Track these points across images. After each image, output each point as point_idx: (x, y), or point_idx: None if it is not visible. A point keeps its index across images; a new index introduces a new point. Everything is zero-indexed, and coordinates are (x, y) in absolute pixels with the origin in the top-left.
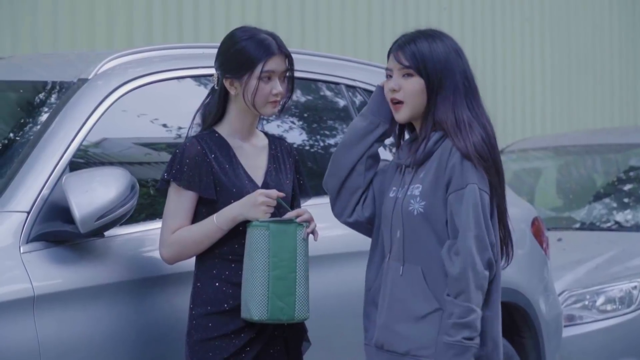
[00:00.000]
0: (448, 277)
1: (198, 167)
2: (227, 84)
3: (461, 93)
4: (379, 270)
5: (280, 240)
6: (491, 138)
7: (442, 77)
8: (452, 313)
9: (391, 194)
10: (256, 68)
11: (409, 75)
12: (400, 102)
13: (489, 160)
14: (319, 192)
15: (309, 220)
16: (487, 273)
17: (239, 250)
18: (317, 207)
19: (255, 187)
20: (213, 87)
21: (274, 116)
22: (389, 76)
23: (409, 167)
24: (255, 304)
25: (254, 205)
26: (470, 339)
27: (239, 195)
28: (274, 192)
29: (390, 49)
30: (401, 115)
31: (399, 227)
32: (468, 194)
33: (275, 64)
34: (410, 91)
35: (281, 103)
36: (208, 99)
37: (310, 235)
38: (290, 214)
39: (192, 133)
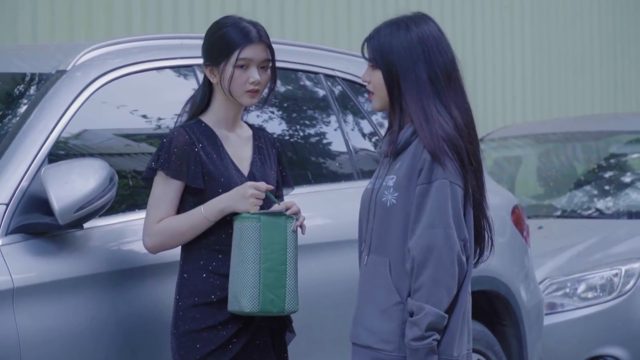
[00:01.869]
0: (407, 274)
1: (186, 156)
2: (207, 71)
3: (426, 83)
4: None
5: (271, 232)
6: (463, 129)
7: (403, 68)
8: (410, 312)
9: (369, 186)
10: (232, 55)
11: (374, 67)
12: (371, 92)
13: (462, 151)
14: (296, 182)
15: (298, 213)
16: (455, 271)
17: (226, 240)
18: (297, 197)
19: (242, 177)
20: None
21: (254, 107)
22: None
23: (387, 157)
24: (247, 297)
25: (243, 197)
26: (421, 338)
27: (227, 185)
28: (262, 185)
29: None
30: (373, 104)
31: (372, 219)
32: (436, 188)
33: (252, 52)
34: (375, 83)
35: (264, 94)
36: (197, 91)
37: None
38: (279, 207)
39: (180, 122)
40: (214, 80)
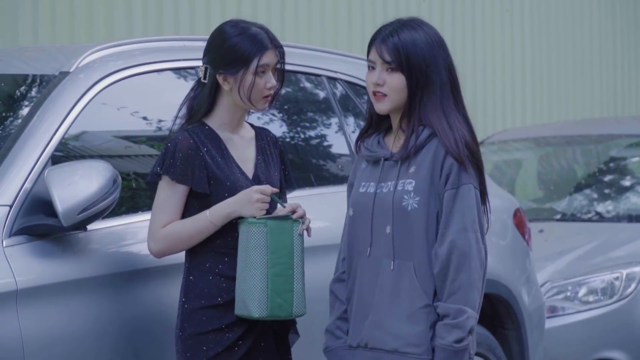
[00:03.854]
0: (436, 277)
1: (191, 160)
2: (220, 79)
3: (448, 88)
4: (352, 268)
5: (278, 237)
6: (474, 133)
7: (427, 72)
8: (446, 315)
9: (362, 189)
10: (252, 64)
11: (392, 69)
12: (383, 95)
13: (477, 156)
14: (299, 184)
15: (303, 216)
16: (482, 272)
17: (232, 243)
18: (300, 199)
19: (247, 180)
20: (199, 80)
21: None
22: (371, 67)
23: (388, 160)
24: (255, 302)
25: (249, 202)
26: (460, 340)
27: (232, 189)
28: (268, 189)
29: (373, 40)
30: (383, 107)
31: (387, 223)
32: (466, 193)
33: (269, 58)
34: (393, 86)
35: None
36: (194, 93)
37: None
38: (285, 210)
39: (176, 127)
40: (227, 87)
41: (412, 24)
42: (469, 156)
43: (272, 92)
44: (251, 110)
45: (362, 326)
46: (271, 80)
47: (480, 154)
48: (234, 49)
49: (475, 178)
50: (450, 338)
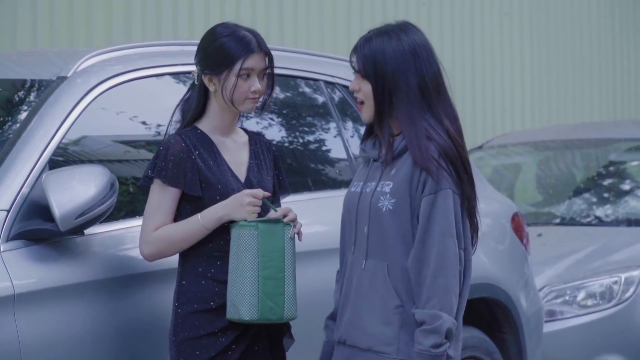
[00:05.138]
0: (414, 284)
1: (183, 163)
2: (205, 80)
3: (416, 95)
4: (343, 266)
5: (269, 240)
6: (456, 138)
7: (394, 80)
8: (422, 321)
9: (353, 189)
10: (235, 65)
11: (362, 77)
12: (362, 102)
13: (457, 160)
14: (296, 188)
15: (295, 220)
16: (458, 279)
17: (224, 247)
18: (297, 204)
19: (239, 183)
20: (193, 82)
21: (253, 113)
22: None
23: (376, 161)
24: (245, 305)
25: (240, 205)
26: (438, 345)
27: (224, 192)
28: (259, 192)
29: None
30: (363, 114)
31: (365, 223)
32: (442, 198)
33: (254, 61)
34: (366, 93)
35: (261, 101)
36: (188, 95)
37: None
38: (276, 214)
39: (172, 130)
40: (212, 88)
41: (392, 31)
42: (444, 163)
43: (256, 95)
44: (248, 115)
45: (342, 322)
46: (255, 84)
47: (465, 158)
48: (219, 50)
49: (455, 183)
50: (428, 343)
